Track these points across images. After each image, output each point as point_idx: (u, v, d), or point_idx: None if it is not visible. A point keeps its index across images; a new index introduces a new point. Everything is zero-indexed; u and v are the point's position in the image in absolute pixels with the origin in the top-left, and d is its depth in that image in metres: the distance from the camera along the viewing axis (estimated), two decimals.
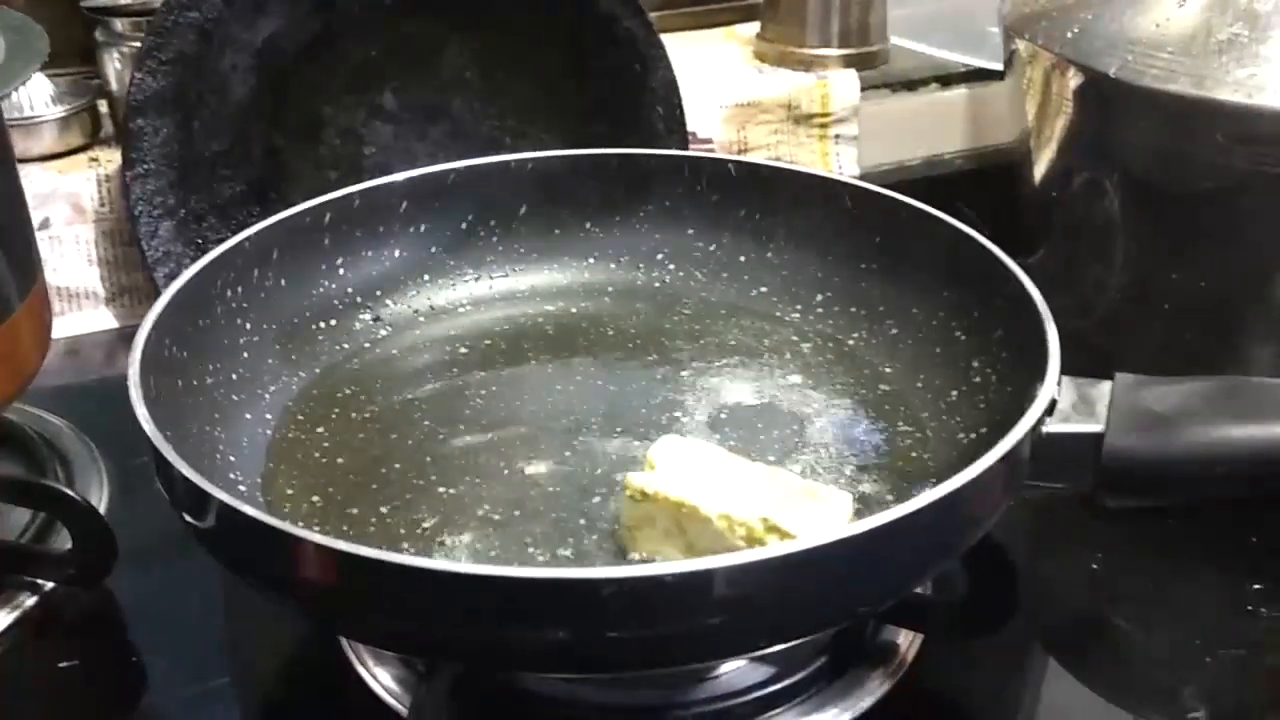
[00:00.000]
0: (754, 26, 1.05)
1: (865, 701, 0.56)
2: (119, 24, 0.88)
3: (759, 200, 0.72)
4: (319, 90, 0.87)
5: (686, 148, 0.91)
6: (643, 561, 0.54)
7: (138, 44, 0.86)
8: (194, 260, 0.84)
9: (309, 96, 0.87)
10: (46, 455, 0.70)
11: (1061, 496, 0.61)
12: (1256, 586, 0.64)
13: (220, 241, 0.85)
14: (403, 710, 0.55)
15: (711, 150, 0.96)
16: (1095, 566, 0.65)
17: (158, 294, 0.83)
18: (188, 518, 0.50)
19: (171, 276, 0.84)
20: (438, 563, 0.44)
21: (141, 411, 0.51)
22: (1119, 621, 0.63)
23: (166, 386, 0.57)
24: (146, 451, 0.52)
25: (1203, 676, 0.59)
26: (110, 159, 0.88)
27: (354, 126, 0.88)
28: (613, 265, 0.74)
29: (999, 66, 0.97)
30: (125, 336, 0.87)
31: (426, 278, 0.72)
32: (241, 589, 0.58)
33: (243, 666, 0.61)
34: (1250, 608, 0.63)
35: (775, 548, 0.45)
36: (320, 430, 0.62)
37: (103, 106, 0.90)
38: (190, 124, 0.83)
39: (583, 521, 0.56)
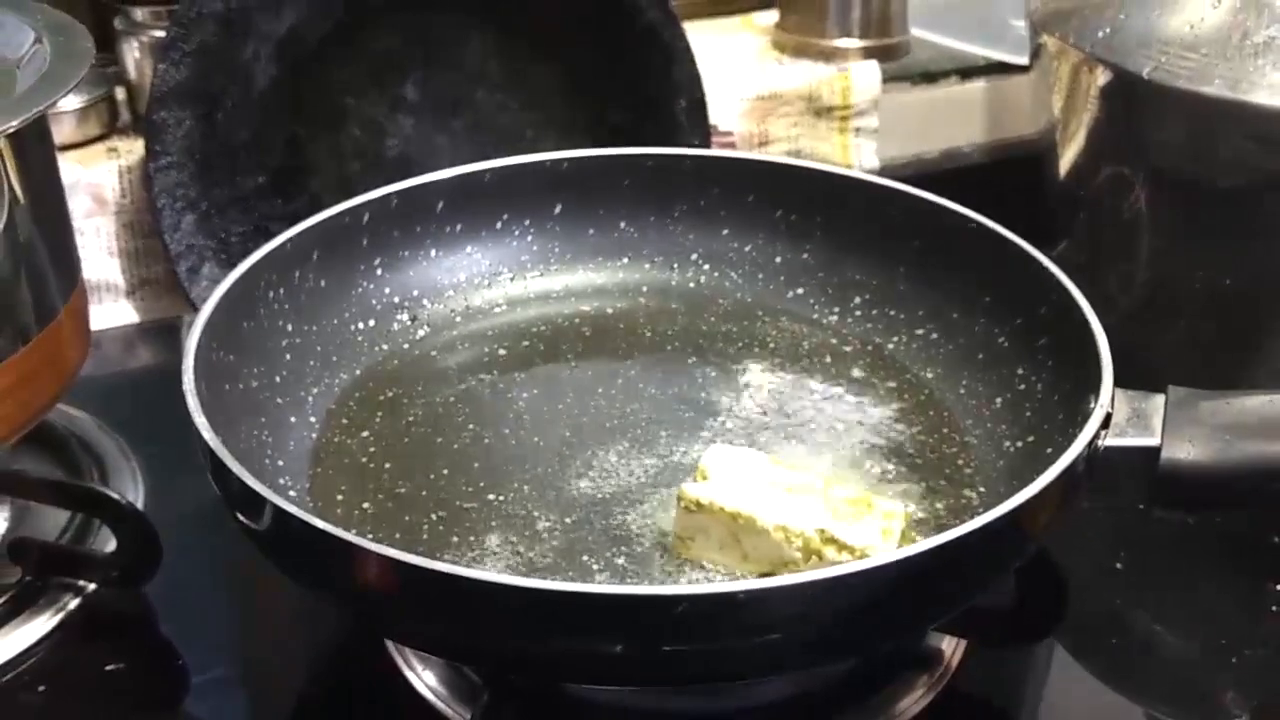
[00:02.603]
0: (771, 15, 1.06)
1: (911, 708, 0.57)
2: (139, 13, 0.88)
3: (795, 201, 0.73)
4: (341, 82, 0.88)
5: (709, 141, 0.92)
6: (693, 568, 0.55)
7: (157, 33, 0.87)
8: (216, 253, 0.85)
9: (331, 88, 0.88)
10: (80, 454, 0.71)
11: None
12: (1279, 587, 0.65)
13: (243, 234, 0.86)
14: (448, 711, 0.56)
15: (732, 143, 0.97)
16: (1119, 566, 0.66)
17: (180, 287, 0.84)
18: (243, 521, 0.51)
19: (194, 269, 0.85)
20: (513, 579, 0.45)
21: (200, 420, 0.52)
22: (1145, 623, 0.64)
23: (215, 390, 0.57)
24: (201, 455, 0.52)
25: (1231, 679, 0.61)
26: (129, 149, 0.88)
27: (376, 118, 0.89)
28: (647, 265, 0.74)
29: (1020, 60, 0.98)
30: (145, 330, 0.88)
31: (463, 278, 0.72)
32: (282, 584, 0.59)
33: (285, 664, 0.62)
34: (1275, 608, 0.64)
35: (845, 565, 0.46)
36: (365, 434, 0.63)
37: (119, 94, 0.90)
38: (213, 116, 0.84)
39: (634, 529, 0.57)
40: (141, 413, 0.79)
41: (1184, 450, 0.52)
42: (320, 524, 0.47)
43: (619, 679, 0.51)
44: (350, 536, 0.46)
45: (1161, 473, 0.52)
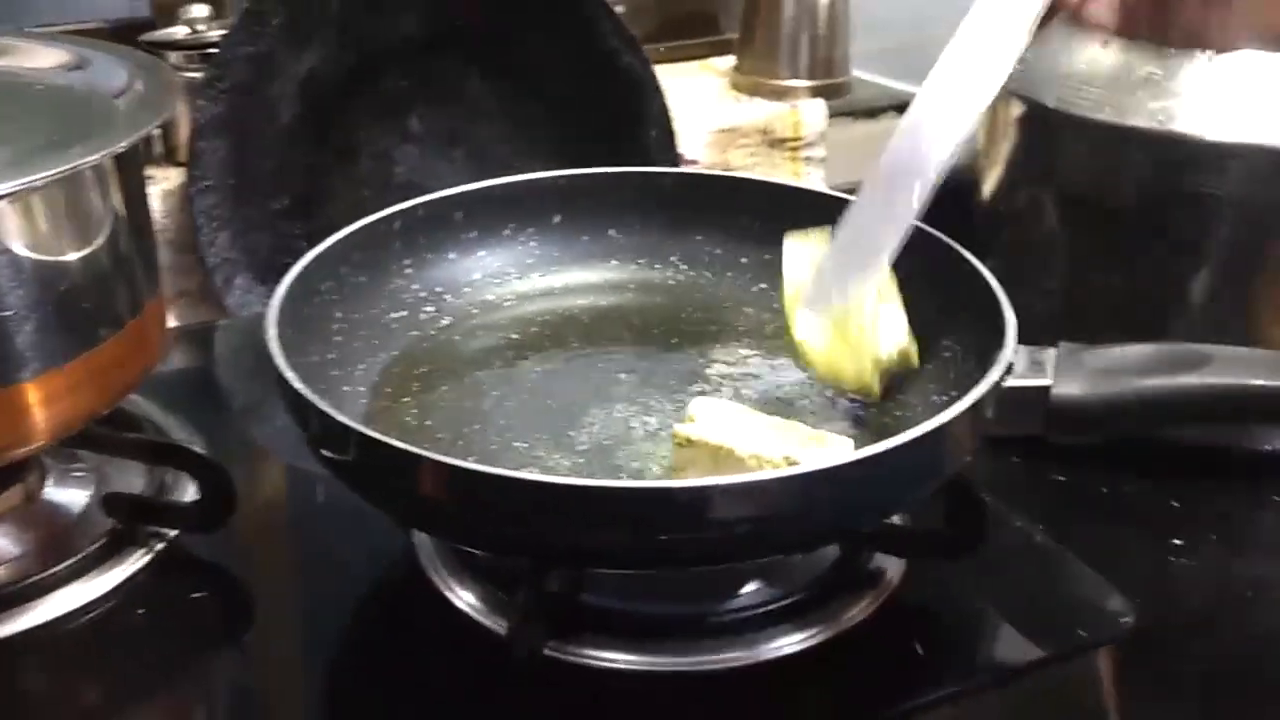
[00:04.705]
0: (727, 60, 1.22)
1: (858, 616, 0.71)
2: (174, 57, 1.03)
3: (758, 211, 0.87)
4: (355, 116, 1.03)
5: (679, 166, 1.08)
6: None
7: (190, 75, 1.02)
8: (247, 266, 1.01)
9: (346, 122, 1.03)
10: (149, 428, 0.85)
11: (1014, 476, 0.80)
12: (1176, 542, 0.78)
13: (270, 250, 1.01)
14: (485, 622, 0.70)
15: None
16: (1042, 528, 0.80)
17: (215, 295, 0.99)
18: (329, 454, 0.65)
19: (228, 280, 1.00)
20: (555, 478, 0.60)
21: (290, 375, 0.66)
22: (1065, 570, 0.77)
23: (286, 359, 0.71)
24: (289, 403, 0.67)
25: (1138, 609, 0.73)
26: (164, 176, 1.02)
27: (385, 149, 1.04)
28: (633, 266, 0.89)
29: None
30: (182, 335, 1.01)
31: (477, 276, 0.87)
32: (328, 531, 0.76)
33: (338, 594, 0.75)
34: (1171, 559, 0.77)
35: (799, 466, 0.62)
36: (407, 400, 0.78)
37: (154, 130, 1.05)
38: (244, 146, 0.99)
39: (636, 465, 0.72)
40: (185, 404, 0.92)
41: (1071, 388, 0.68)
42: (402, 444, 0.62)
43: (629, 563, 0.65)
44: (426, 452, 0.61)
45: (1053, 405, 0.68)
